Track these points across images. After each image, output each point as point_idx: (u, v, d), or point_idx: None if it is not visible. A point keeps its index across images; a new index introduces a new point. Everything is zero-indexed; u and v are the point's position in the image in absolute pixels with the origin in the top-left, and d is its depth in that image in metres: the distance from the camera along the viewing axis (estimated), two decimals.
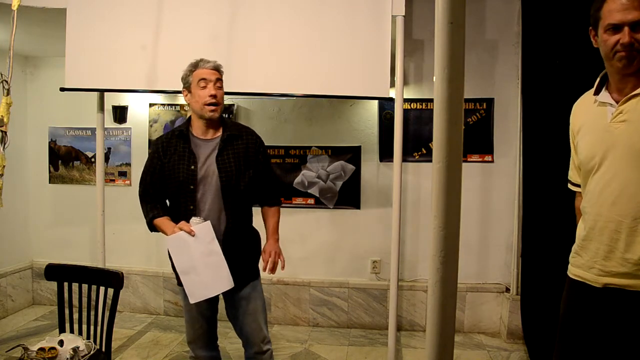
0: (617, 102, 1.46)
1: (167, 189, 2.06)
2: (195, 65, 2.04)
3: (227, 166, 2.03)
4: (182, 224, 1.96)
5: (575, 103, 1.65)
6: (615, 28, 1.40)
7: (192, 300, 1.98)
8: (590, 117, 1.54)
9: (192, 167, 2.00)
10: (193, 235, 1.93)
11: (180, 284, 2.04)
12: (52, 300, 3.98)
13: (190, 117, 2.13)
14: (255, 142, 2.13)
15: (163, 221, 2.04)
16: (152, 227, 2.09)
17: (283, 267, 2.12)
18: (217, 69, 2.06)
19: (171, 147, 2.05)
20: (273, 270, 2.11)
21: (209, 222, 1.96)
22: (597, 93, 1.53)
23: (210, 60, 2.05)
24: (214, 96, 1.99)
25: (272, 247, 2.13)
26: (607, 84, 1.51)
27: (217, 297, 2.12)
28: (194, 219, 1.98)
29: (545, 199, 2.92)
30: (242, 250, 2.08)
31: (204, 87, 1.99)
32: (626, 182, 1.40)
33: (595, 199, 1.48)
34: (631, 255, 1.40)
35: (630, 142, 1.40)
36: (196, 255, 1.95)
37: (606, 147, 1.45)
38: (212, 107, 2.00)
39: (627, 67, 1.40)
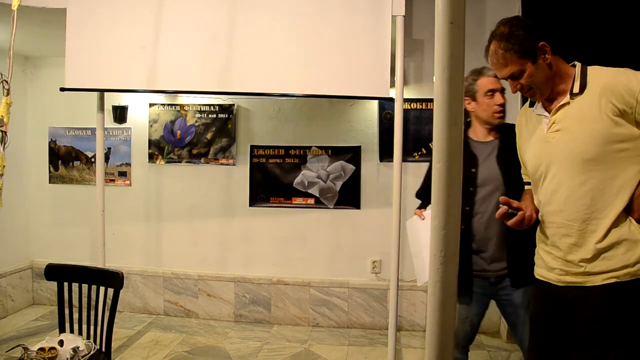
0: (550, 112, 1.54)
1: None
2: (478, 73, 2.08)
3: (510, 165, 1.98)
4: (417, 210, 2.13)
5: (518, 115, 1.75)
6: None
7: (418, 283, 2.15)
8: (531, 128, 1.63)
9: (473, 169, 2.04)
10: (422, 219, 2.08)
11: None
12: (52, 300, 3.98)
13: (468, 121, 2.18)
14: None
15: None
16: None
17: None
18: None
19: None
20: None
21: None
22: (532, 105, 1.62)
23: (492, 68, 2.13)
24: (502, 104, 2.05)
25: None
26: None
27: (484, 304, 2.14)
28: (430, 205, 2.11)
29: None
30: (519, 249, 2.02)
31: (492, 97, 2.05)
32: (570, 188, 1.48)
33: (546, 208, 1.56)
34: (583, 255, 1.47)
35: (566, 150, 1.47)
36: (423, 240, 2.08)
37: (547, 157, 1.53)
38: (501, 115, 2.06)
39: (535, 99, 1.58)
